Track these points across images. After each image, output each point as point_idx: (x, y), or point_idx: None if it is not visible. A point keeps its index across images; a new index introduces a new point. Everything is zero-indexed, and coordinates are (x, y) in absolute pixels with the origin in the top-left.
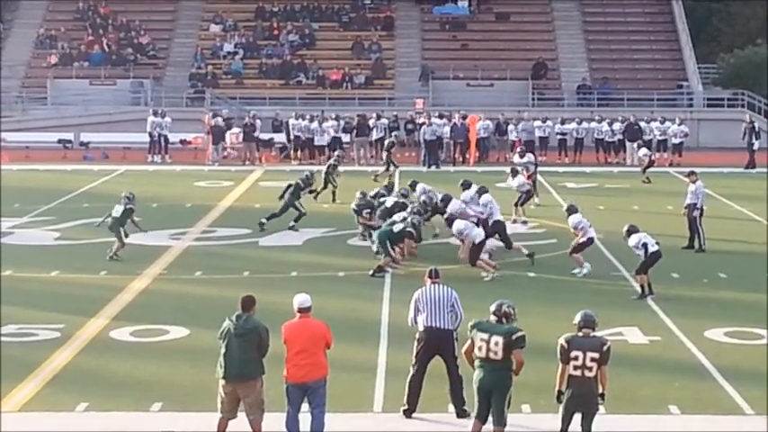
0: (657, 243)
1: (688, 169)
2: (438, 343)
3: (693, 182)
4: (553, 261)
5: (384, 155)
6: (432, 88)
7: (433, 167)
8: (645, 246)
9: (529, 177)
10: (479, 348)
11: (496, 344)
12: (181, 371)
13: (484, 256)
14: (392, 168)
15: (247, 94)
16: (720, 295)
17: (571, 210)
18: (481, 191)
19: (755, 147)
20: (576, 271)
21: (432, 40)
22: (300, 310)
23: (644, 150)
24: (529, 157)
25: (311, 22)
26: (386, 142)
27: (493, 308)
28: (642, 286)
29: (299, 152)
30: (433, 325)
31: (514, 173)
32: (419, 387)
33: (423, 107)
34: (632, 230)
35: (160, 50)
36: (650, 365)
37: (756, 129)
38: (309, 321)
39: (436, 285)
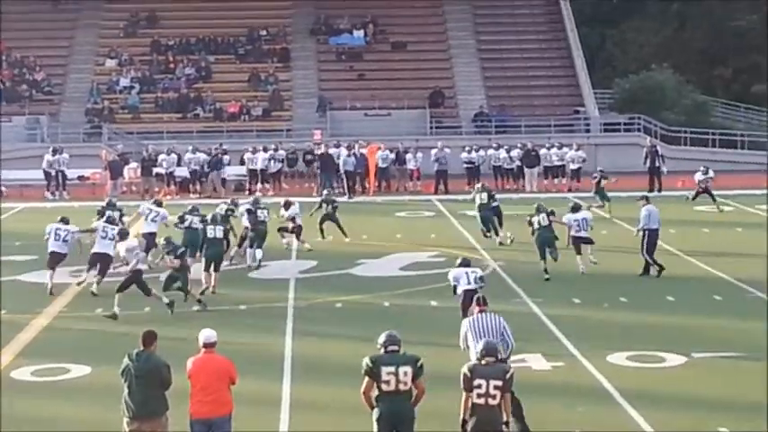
0: (481, 279)
1: (585, 194)
2: None
3: (643, 206)
4: None
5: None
6: (329, 119)
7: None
8: (455, 286)
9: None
10: (387, 382)
11: (405, 374)
12: (83, 409)
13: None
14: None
15: (144, 128)
16: (621, 319)
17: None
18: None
19: (664, 171)
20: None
21: (328, 70)
22: (206, 346)
23: (711, 174)
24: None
25: (207, 54)
26: (594, 175)
27: (384, 339)
28: None
29: (198, 186)
30: None
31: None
32: None
33: (320, 138)
34: (462, 263)
35: (55, 86)
36: (554, 391)
37: (660, 153)
38: (214, 357)
39: (485, 314)
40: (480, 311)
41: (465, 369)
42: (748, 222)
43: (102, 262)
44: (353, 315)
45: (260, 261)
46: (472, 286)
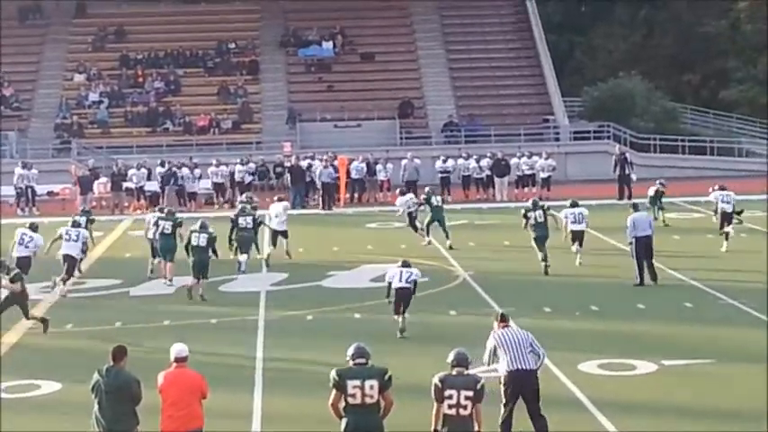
0: (412, 283)
1: (555, 203)
2: (522, 383)
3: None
4: (426, 299)
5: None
6: (299, 131)
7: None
8: (390, 283)
9: None
10: (353, 396)
11: (372, 387)
12: (53, 425)
13: None
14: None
15: (114, 143)
16: (592, 327)
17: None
18: None
19: (634, 178)
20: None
21: (298, 82)
22: (177, 360)
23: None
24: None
25: (176, 68)
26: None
27: (352, 352)
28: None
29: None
30: (519, 367)
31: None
32: (510, 427)
33: (291, 150)
34: (402, 264)
35: (24, 102)
36: None
37: (629, 160)
38: (185, 372)
39: (509, 329)
40: (504, 327)
41: (436, 379)
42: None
43: (69, 262)
44: (324, 327)
45: (244, 267)
46: (403, 285)
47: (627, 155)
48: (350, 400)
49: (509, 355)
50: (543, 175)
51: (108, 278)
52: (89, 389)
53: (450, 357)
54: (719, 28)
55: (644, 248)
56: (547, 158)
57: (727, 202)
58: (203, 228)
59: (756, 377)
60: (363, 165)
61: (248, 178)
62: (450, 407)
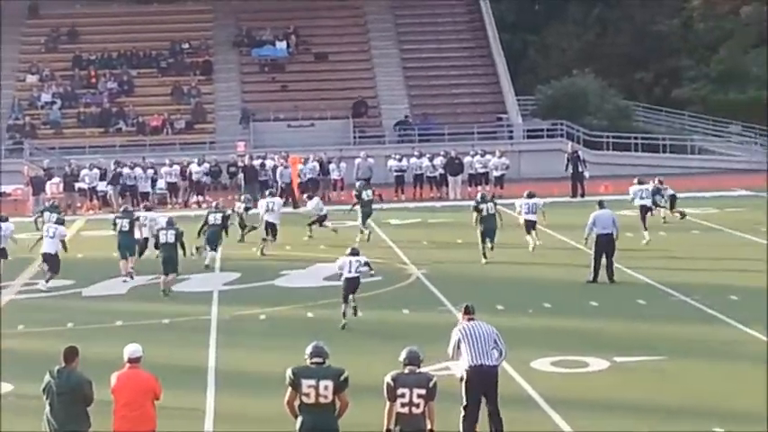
0: (366, 265)
1: (508, 201)
2: (486, 379)
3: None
4: (380, 298)
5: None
6: (253, 130)
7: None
8: (341, 274)
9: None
10: (307, 395)
11: (326, 388)
12: (5, 427)
13: None
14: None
15: (67, 143)
16: (545, 325)
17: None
18: None
19: (587, 175)
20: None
21: (251, 82)
22: (130, 361)
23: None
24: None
25: (129, 68)
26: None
27: (309, 350)
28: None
29: (119, 199)
30: (483, 363)
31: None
32: (474, 425)
33: (244, 150)
34: (351, 252)
35: None
36: None
37: (582, 158)
38: (138, 373)
39: (474, 322)
40: (469, 320)
41: (388, 378)
42: (671, 227)
43: (51, 260)
44: (277, 327)
45: (211, 264)
46: (353, 275)
47: (579, 153)
48: (304, 399)
49: (473, 350)
50: (496, 173)
51: (60, 279)
52: (41, 390)
53: (403, 356)
54: (672, 27)
55: (604, 246)
56: (500, 157)
57: (644, 197)
58: (170, 224)
59: (708, 373)
60: (316, 164)
61: (204, 178)
62: (402, 405)
